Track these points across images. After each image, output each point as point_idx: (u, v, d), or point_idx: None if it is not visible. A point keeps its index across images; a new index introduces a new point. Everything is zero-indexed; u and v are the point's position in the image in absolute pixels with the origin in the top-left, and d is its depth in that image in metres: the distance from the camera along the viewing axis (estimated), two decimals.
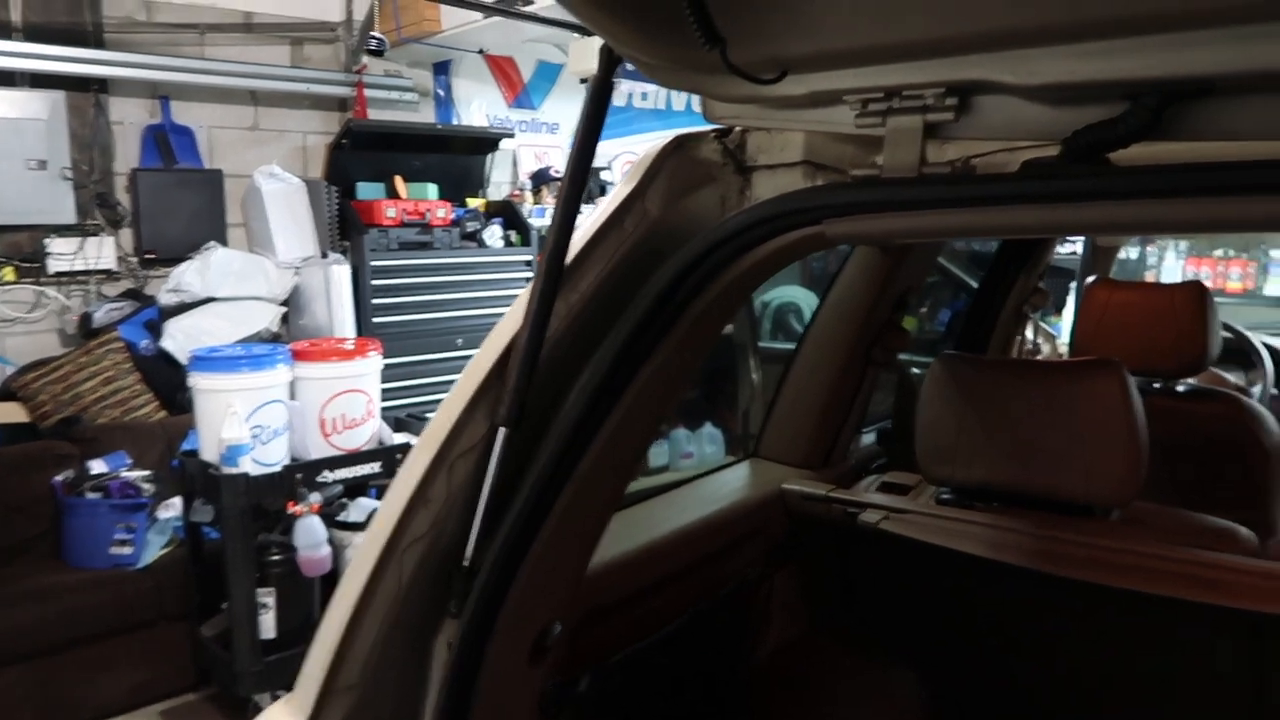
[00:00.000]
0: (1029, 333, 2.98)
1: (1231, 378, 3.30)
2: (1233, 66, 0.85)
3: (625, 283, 1.08)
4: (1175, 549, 1.53)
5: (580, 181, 1.00)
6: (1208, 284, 5.70)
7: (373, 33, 5.03)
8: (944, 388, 1.76)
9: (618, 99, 4.38)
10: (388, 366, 3.47)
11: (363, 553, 1.00)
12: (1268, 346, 3.35)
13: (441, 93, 5.62)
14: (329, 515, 3.07)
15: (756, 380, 3.86)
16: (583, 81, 4.46)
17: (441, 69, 5.59)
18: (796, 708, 1.82)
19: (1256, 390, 3.19)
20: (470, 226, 5.04)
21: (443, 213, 4.95)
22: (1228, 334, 3.32)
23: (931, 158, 1.05)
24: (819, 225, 1.04)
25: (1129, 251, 5.86)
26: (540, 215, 5.43)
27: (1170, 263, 5.75)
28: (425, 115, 5.52)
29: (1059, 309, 4.56)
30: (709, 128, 1.18)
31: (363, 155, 4.94)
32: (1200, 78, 0.87)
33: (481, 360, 1.05)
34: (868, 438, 2.32)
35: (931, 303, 5.63)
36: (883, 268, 1.93)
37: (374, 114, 5.20)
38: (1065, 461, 1.64)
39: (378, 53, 5.06)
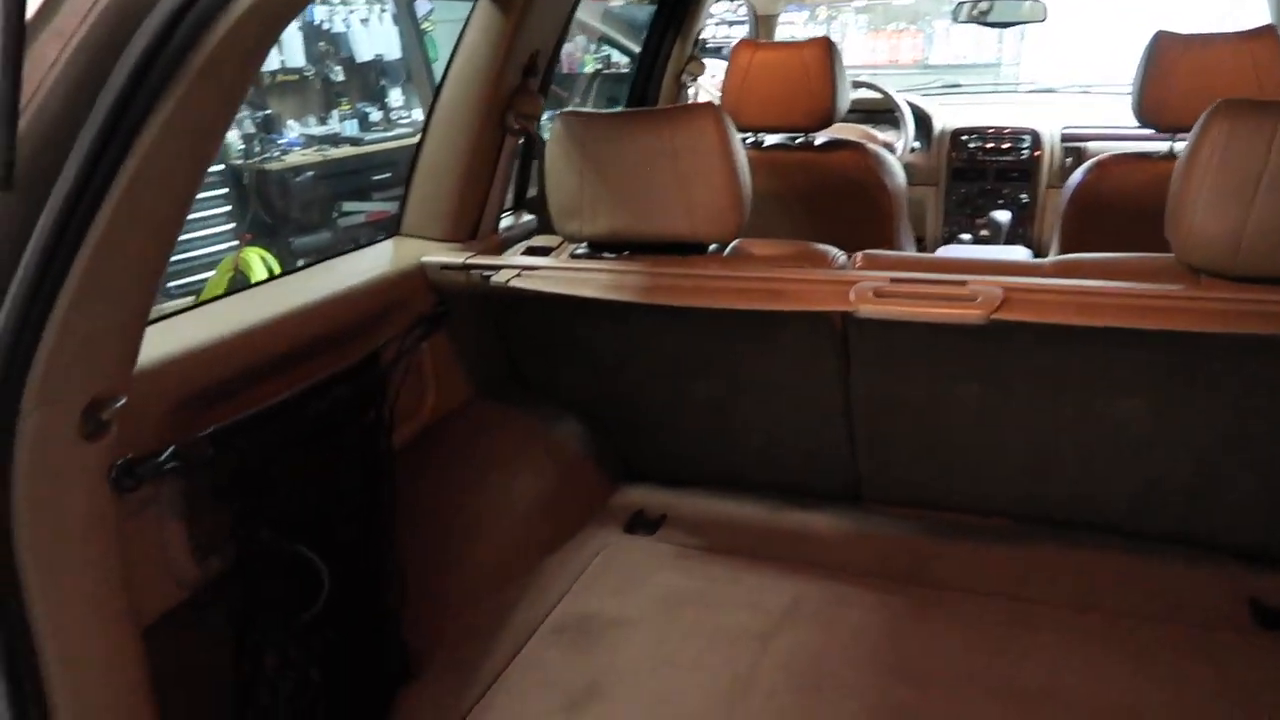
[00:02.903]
0: (691, 98, 3.08)
1: (884, 135, 3.61)
2: None
3: (131, 12, 0.99)
4: (766, 270, 1.69)
5: None
6: (884, 58, 6.12)
7: None
8: (565, 145, 1.80)
9: None
10: None
11: None
12: (915, 106, 3.65)
13: None
14: None
15: None
16: None
17: None
18: (460, 472, 1.91)
19: (900, 145, 3.50)
20: None
21: None
22: (878, 94, 3.60)
23: None
24: None
25: (816, 30, 6.11)
26: None
27: (852, 37, 6.07)
28: None
29: None
30: None
31: None
32: None
33: None
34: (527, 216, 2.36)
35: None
36: (505, 29, 1.89)
37: None
38: (674, 205, 1.74)
39: None
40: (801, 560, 1.84)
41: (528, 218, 2.29)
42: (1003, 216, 3.42)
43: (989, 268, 1.61)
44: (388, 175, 5.94)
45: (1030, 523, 1.88)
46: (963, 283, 1.50)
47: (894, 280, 1.54)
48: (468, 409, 2.02)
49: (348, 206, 5.98)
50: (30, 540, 1.00)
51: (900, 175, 2.77)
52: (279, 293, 1.63)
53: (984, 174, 3.59)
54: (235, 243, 5.29)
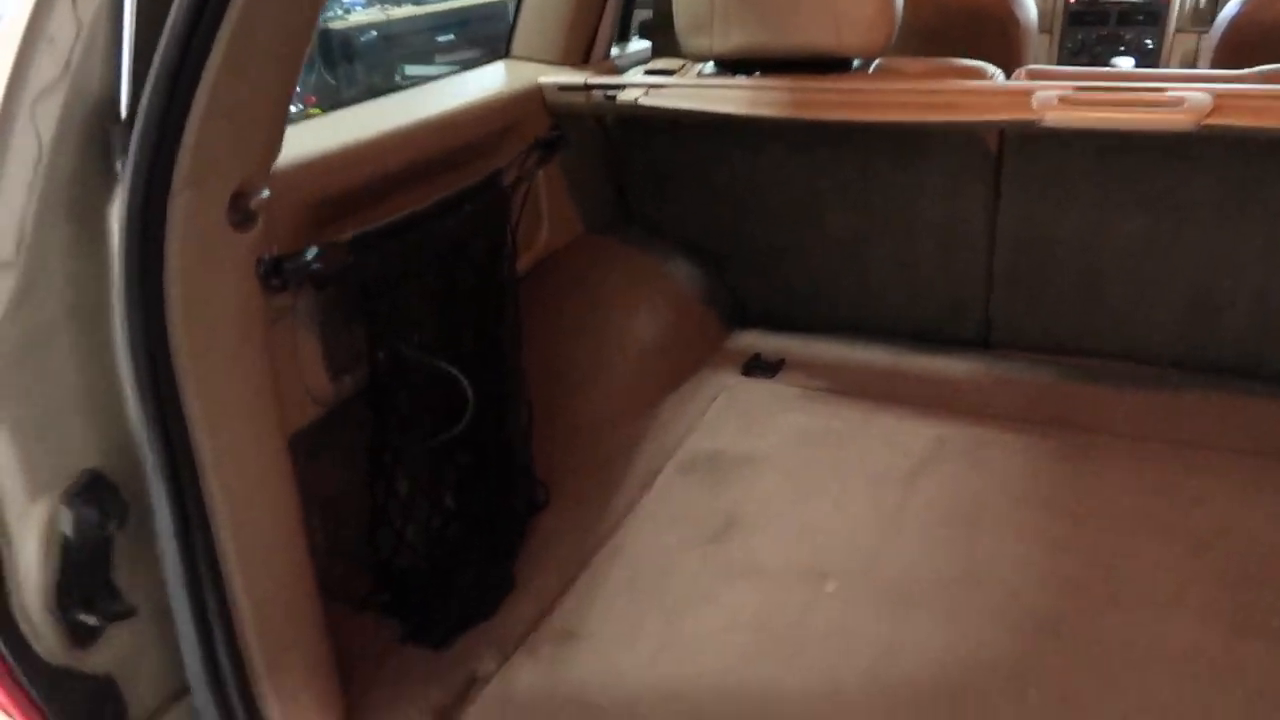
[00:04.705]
0: None
1: None
2: None
3: None
4: (921, 83, 1.54)
5: None
6: None
7: None
8: None
9: None
10: None
11: None
12: None
13: None
14: None
15: None
16: None
17: None
18: (575, 307, 1.83)
19: None
20: None
21: None
22: None
23: None
24: None
25: None
26: None
27: None
28: None
29: None
30: None
31: None
32: None
33: None
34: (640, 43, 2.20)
35: None
36: None
37: None
38: (818, 12, 1.59)
39: None
40: (937, 404, 1.75)
41: (641, 44, 2.14)
42: (1125, 64, 3.17)
43: (1181, 78, 1.45)
44: (451, 37, 5.72)
45: (1191, 368, 1.75)
46: (1161, 89, 1.34)
47: (1080, 88, 1.39)
48: (579, 245, 1.92)
49: (410, 70, 5.79)
50: (185, 330, 0.93)
51: (1033, 10, 2.54)
52: (402, 105, 1.53)
53: (1105, 18, 3.32)
54: (300, 106, 5.17)
